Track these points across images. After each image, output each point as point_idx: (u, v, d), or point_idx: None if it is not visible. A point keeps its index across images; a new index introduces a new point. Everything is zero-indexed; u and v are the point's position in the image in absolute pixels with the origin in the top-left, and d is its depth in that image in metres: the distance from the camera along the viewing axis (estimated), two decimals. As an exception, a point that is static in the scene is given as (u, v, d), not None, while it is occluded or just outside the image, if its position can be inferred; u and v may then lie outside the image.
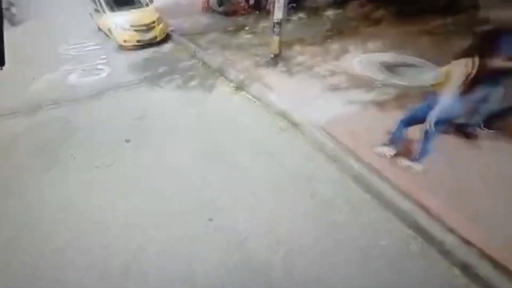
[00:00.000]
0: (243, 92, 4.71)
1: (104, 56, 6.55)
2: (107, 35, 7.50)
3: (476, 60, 2.22)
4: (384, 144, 3.13)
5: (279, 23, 4.91)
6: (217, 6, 9.54)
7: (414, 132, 2.85)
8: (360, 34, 7.11)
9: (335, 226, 2.46)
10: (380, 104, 4.03)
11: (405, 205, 2.50)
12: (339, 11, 8.96)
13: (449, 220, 2.29)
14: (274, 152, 3.37)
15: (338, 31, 7.25)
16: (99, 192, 2.91)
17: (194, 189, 2.88)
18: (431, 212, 2.37)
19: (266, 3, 9.63)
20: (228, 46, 6.58)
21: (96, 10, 7.62)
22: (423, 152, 2.85)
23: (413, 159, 2.93)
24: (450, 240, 2.15)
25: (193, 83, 5.15)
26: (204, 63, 5.90)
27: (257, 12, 9.63)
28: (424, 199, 2.50)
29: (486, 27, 2.36)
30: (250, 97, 4.57)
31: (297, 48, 6.25)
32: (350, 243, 2.32)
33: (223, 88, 4.94)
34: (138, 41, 6.81)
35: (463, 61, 2.27)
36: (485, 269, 1.94)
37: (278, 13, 4.84)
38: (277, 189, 2.86)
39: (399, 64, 5.24)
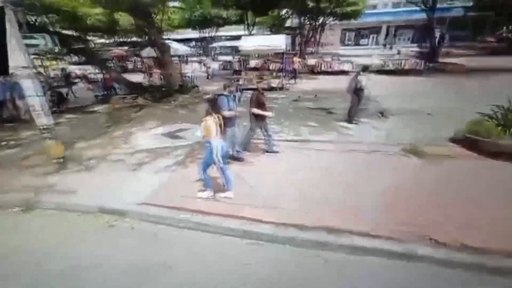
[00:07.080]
0: (37, 211, 4.08)
1: None
2: None
3: (215, 114, 3.44)
4: (201, 190, 3.90)
5: (48, 128, 4.83)
6: None
7: (215, 171, 3.78)
8: (133, 119, 8.56)
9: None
10: (181, 163, 5.08)
11: (236, 225, 3.26)
12: (104, 105, 10.07)
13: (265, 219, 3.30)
14: (112, 251, 3.20)
15: (114, 121, 8.26)
16: None
17: None
18: (259, 220, 3.32)
19: (19, 113, 8.66)
20: (-17, 168, 5.31)
21: None
22: (228, 182, 3.77)
23: (225, 190, 3.85)
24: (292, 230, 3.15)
25: None
26: None
27: (12, 124, 8.36)
28: (249, 215, 3.42)
29: (208, 96, 3.96)
30: (50, 211, 4.05)
31: (81, 145, 6.37)
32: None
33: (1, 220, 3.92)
34: None
35: (209, 116, 3.41)
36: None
37: (40, 120, 4.74)
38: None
39: (177, 131, 7.02)
